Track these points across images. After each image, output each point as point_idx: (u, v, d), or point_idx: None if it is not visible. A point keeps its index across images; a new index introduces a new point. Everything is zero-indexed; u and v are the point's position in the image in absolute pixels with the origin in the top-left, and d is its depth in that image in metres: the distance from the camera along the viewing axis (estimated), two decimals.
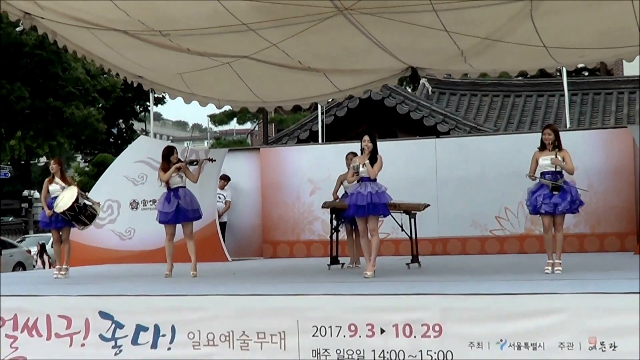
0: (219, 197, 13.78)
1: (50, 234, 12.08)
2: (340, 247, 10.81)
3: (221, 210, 13.75)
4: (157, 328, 6.80)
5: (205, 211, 11.22)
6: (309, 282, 8.24)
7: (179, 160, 9.97)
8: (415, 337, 6.18)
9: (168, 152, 10.00)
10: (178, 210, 9.72)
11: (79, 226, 10.17)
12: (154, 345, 6.78)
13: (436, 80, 21.06)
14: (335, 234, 10.60)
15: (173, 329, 6.76)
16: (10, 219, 37.39)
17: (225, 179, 13.93)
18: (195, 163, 10.29)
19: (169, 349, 6.74)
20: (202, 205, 10.22)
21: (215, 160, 10.94)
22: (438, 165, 12.99)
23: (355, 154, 9.96)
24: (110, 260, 12.88)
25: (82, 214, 10.00)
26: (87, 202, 10.14)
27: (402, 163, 12.96)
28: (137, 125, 39.72)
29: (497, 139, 13.58)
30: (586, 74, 27.35)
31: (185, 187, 9.90)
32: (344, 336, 6.31)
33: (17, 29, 26.46)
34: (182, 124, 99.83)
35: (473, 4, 8.11)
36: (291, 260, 13.02)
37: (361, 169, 8.55)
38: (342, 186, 10.60)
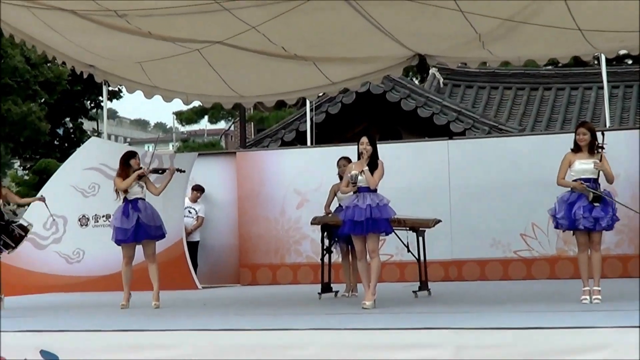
0: (189, 212, 13.76)
1: None
2: (333, 271, 10.81)
3: (191, 227, 13.74)
4: None
5: (171, 228, 11.22)
6: (295, 314, 8.22)
7: (140, 168, 9.96)
8: None
9: (128, 156, 10.01)
10: (138, 227, 9.71)
11: (5, 250, 10.13)
12: None
13: (449, 70, 21.10)
14: (327, 255, 10.59)
15: None
16: None
17: (198, 189, 13.92)
18: (160, 172, 10.26)
19: None
20: (166, 221, 10.21)
21: (184, 171, 10.93)
22: (451, 173, 13.01)
23: (349, 160, 9.97)
24: (55, 288, 12.83)
25: (4, 234, 9.94)
26: (14, 220, 10.10)
27: (408, 170, 12.98)
28: (88, 125, 39.56)
29: (523, 140, 13.62)
30: (629, 62, 27.46)
31: (145, 199, 9.90)
32: None
33: None
34: (142, 123, 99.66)
35: None
36: (274, 287, 13.01)
37: (359, 177, 8.55)
38: (335, 198, 10.61)
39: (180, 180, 12.39)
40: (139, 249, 9.93)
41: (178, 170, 10.39)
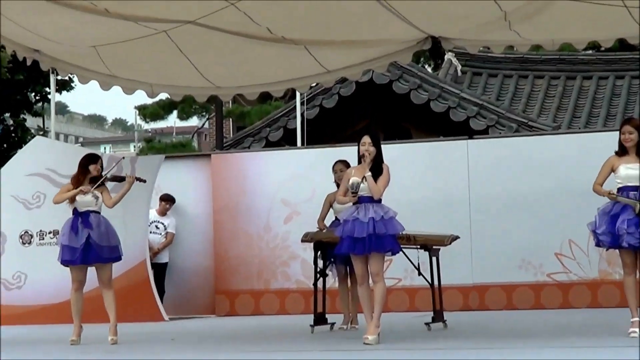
0: (156, 227, 13.75)
1: None
2: (329, 299, 10.80)
3: (158, 245, 13.73)
4: None
5: (132, 246, 11.20)
6: (283, 351, 8.21)
7: (99, 177, 9.90)
8: None
9: (88, 161, 9.96)
10: (88, 247, 9.65)
11: None
12: None
13: (468, 55, 21.11)
14: (321, 280, 10.58)
15: None
16: None
17: (167, 200, 13.89)
18: (119, 180, 10.22)
19: None
20: (127, 238, 10.17)
21: (145, 181, 10.87)
22: (471, 179, 13.01)
23: (346, 164, 9.96)
24: None
25: None
26: None
27: (419, 176, 12.98)
28: (32, 122, 39.58)
29: (558, 140, 13.62)
30: None
31: (99, 212, 9.86)
32: None
33: None
34: (97, 120, 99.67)
35: None
36: (257, 319, 12.99)
37: (361, 185, 8.55)
38: (331, 210, 10.60)
39: (144, 189, 12.35)
40: (92, 271, 9.88)
41: (138, 179, 10.32)
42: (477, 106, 18.60)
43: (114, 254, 9.87)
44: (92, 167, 9.92)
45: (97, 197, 9.85)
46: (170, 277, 13.93)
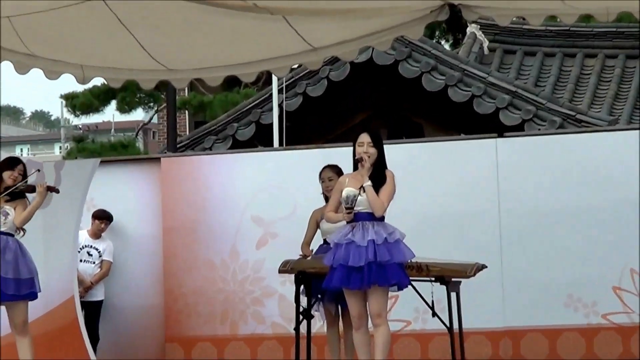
0: (88, 253, 13.71)
1: None
2: (315, 347, 10.81)
3: (91, 277, 13.70)
4: None
5: (55, 280, 11.14)
6: None
7: (11, 187, 9.89)
8: None
9: (4, 166, 9.97)
10: None
11: None
12: None
13: (497, 28, 21.16)
14: (305, 323, 10.58)
15: None
16: None
17: (102, 218, 13.83)
18: (32, 191, 10.20)
19: None
20: (48, 269, 10.13)
21: (58, 191, 10.80)
22: (502, 189, 13.01)
23: (338, 171, 9.97)
24: None
25: None
26: None
27: (434, 185, 12.99)
28: None
29: (615, 137, 13.61)
30: None
31: (12, 234, 9.82)
32: None
33: None
34: (12, 113, 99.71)
35: None
36: None
37: (359, 197, 8.55)
38: (318, 231, 10.59)
39: (72, 203, 12.34)
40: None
41: (50, 189, 10.28)
42: (509, 94, 18.64)
43: (26, 290, 9.83)
44: (6, 175, 9.92)
45: (6, 214, 9.80)
46: (107, 319, 13.89)
